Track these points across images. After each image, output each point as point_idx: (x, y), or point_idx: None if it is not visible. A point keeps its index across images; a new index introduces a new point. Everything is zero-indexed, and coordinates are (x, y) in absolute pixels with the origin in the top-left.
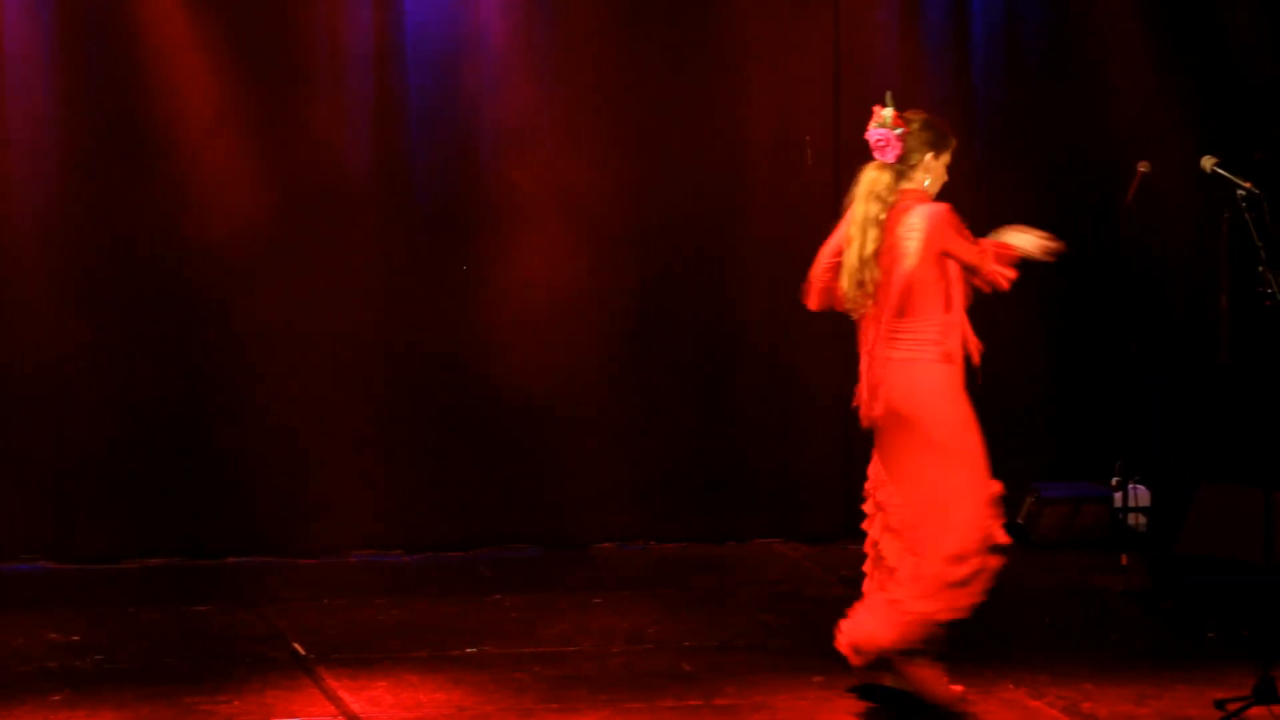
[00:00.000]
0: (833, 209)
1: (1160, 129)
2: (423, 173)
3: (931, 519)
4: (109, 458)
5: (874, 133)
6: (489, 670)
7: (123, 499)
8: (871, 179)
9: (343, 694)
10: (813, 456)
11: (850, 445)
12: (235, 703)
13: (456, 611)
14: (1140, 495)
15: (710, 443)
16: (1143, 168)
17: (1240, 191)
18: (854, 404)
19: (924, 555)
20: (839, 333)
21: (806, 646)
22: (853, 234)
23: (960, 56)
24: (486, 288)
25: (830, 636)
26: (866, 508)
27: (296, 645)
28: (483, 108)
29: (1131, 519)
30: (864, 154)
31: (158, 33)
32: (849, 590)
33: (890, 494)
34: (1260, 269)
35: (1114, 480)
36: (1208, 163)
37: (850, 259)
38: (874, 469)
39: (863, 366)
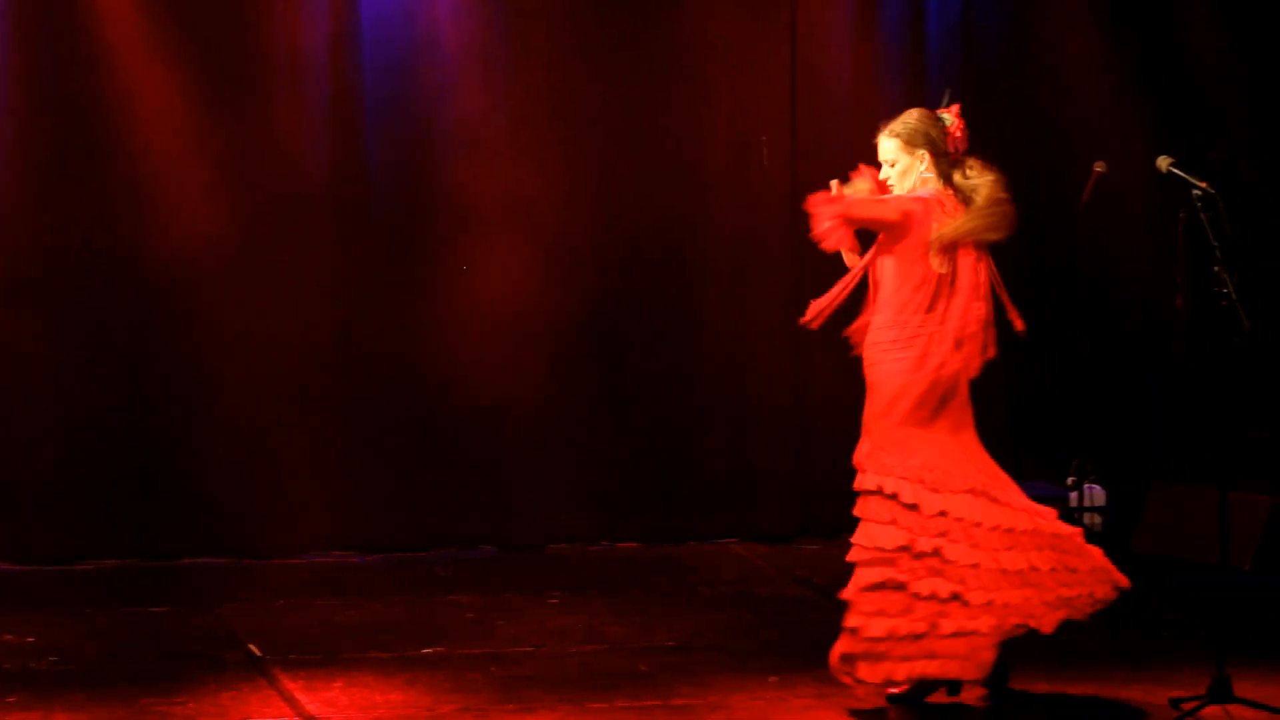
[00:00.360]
0: (790, 209)
1: (1116, 129)
2: (379, 175)
3: None
4: (64, 459)
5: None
6: (445, 670)
7: (78, 501)
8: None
9: (299, 695)
10: (769, 457)
11: (807, 446)
12: (191, 704)
13: (413, 612)
14: (1095, 495)
15: (667, 443)
16: (1099, 168)
17: (1196, 191)
18: None
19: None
20: (794, 334)
21: (763, 646)
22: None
23: (917, 58)
24: (443, 291)
25: (779, 636)
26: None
27: (252, 646)
28: (439, 109)
29: (1087, 519)
30: (820, 155)
31: (112, 33)
32: (804, 590)
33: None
34: (1215, 269)
35: (1069, 480)
36: (1163, 162)
37: None
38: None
39: None
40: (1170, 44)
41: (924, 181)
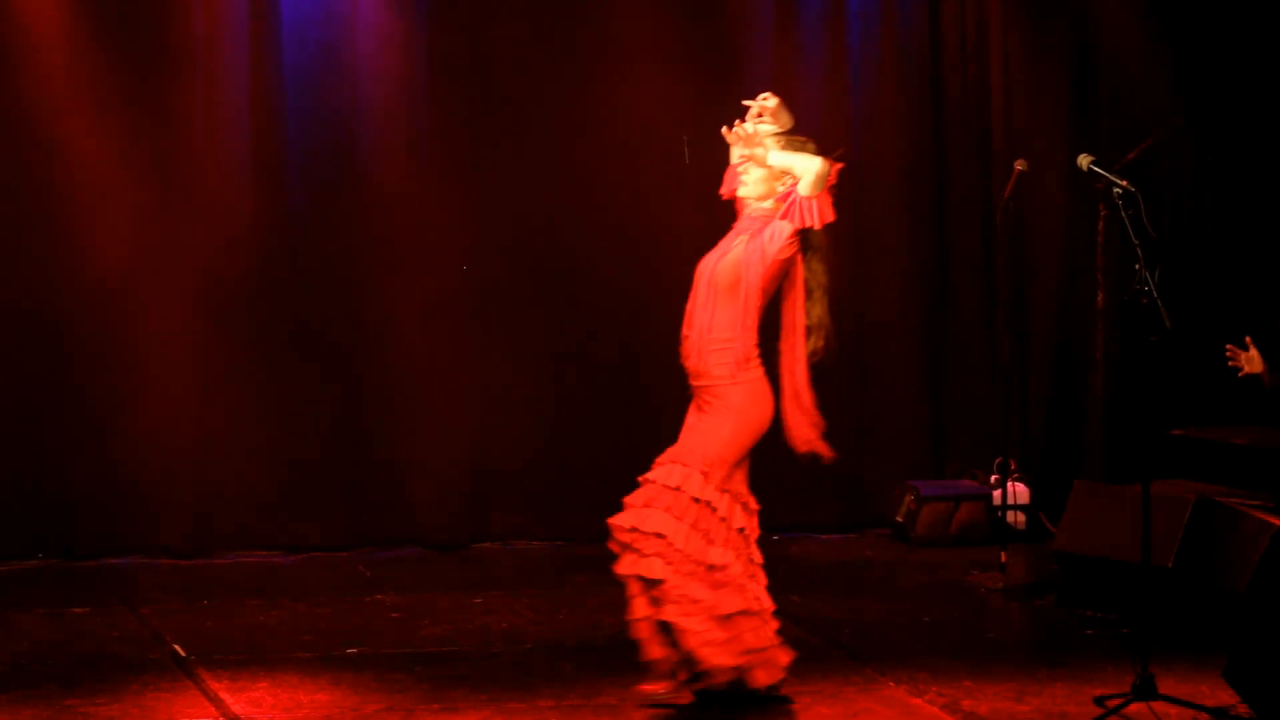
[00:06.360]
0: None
1: (1037, 127)
2: (300, 175)
3: None
4: None
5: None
6: (370, 670)
7: None
8: None
9: (223, 695)
10: None
11: None
12: (115, 705)
13: (337, 612)
14: (1019, 493)
15: (591, 442)
16: (1020, 165)
17: (1117, 190)
18: None
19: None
20: None
21: None
22: None
23: (836, 56)
24: (370, 290)
25: None
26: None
27: (176, 646)
28: (361, 106)
29: (1010, 516)
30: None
31: (36, 28)
32: None
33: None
34: (1136, 266)
35: (992, 478)
36: (1084, 161)
37: None
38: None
39: None
40: (1089, 42)
41: (774, 199)
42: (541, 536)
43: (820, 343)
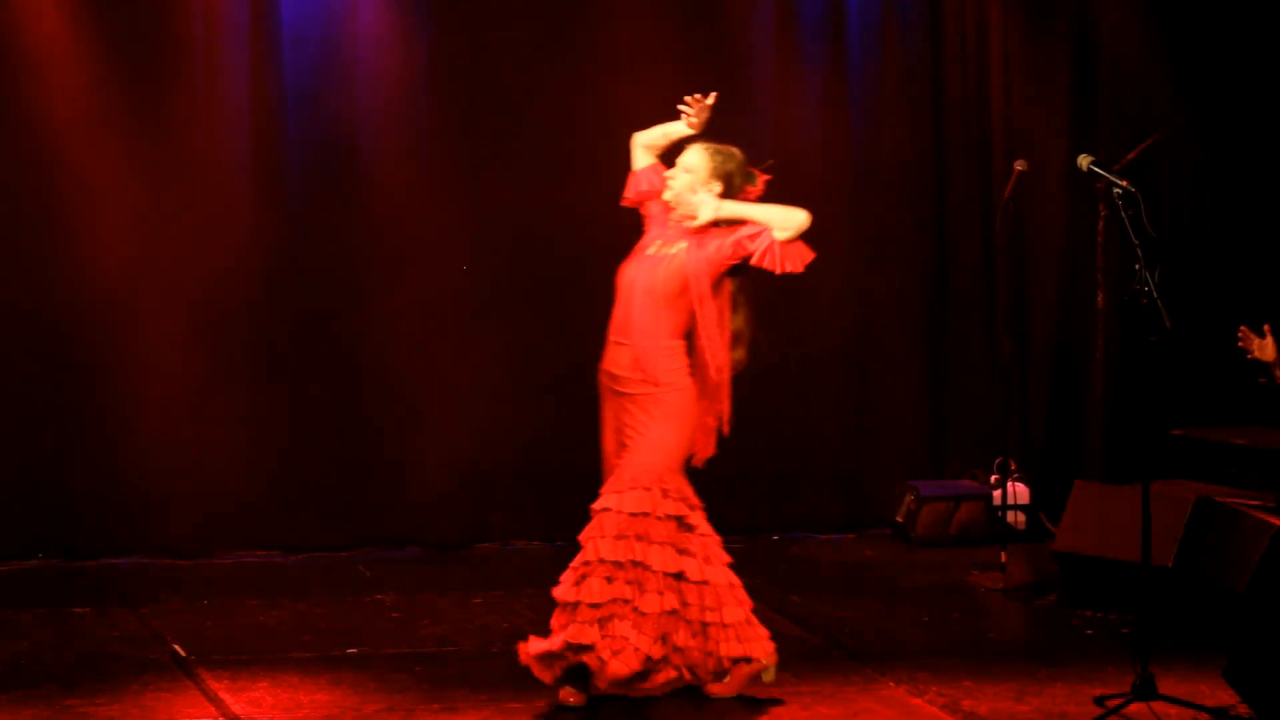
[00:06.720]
0: None
1: (1036, 127)
2: (300, 170)
3: None
4: None
5: None
6: (370, 670)
7: None
8: None
9: (223, 695)
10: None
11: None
12: (115, 705)
13: (337, 612)
14: (1019, 493)
15: (591, 442)
16: (1020, 166)
17: (1117, 190)
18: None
19: None
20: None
21: None
22: None
23: (836, 56)
24: (372, 285)
25: None
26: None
27: (176, 646)
28: (361, 107)
29: (1010, 516)
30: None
31: (36, 30)
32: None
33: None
34: (1136, 266)
35: (992, 478)
36: (1084, 161)
37: None
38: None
39: None
40: (1092, 39)
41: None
42: (541, 536)
43: (742, 353)
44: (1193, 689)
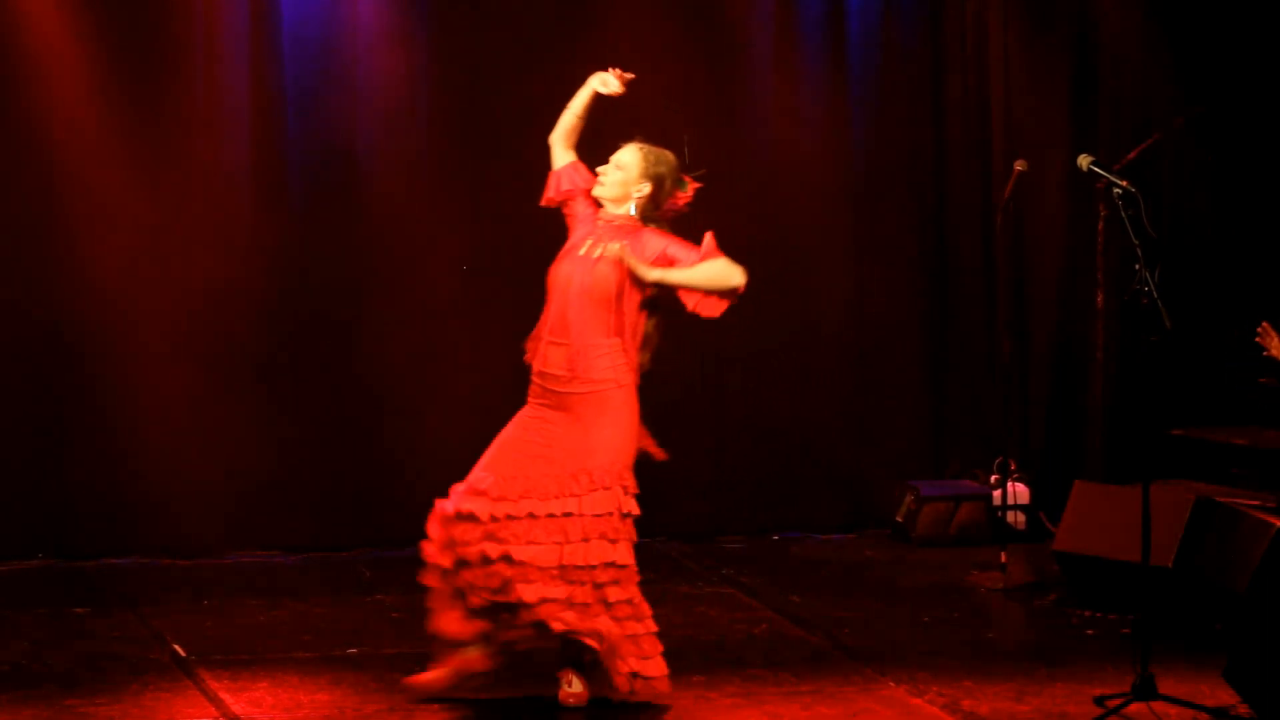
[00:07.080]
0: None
1: (1037, 127)
2: (300, 171)
3: None
4: None
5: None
6: (370, 670)
7: None
8: None
9: (223, 695)
10: (684, 453)
11: (723, 445)
12: (116, 705)
13: (337, 612)
14: (1019, 493)
15: None
16: (1019, 166)
17: (1117, 190)
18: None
19: None
20: (709, 330)
21: (686, 644)
22: None
23: (836, 56)
24: (372, 290)
25: (705, 634)
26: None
27: (176, 646)
28: (361, 100)
29: (1010, 516)
30: (751, 157)
31: (36, 30)
32: (726, 587)
33: None
34: (1136, 266)
35: (993, 478)
36: (1084, 161)
37: None
38: None
39: None
40: (1092, 39)
41: (629, 206)
42: None
43: (648, 356)
44: (1193, 689)
